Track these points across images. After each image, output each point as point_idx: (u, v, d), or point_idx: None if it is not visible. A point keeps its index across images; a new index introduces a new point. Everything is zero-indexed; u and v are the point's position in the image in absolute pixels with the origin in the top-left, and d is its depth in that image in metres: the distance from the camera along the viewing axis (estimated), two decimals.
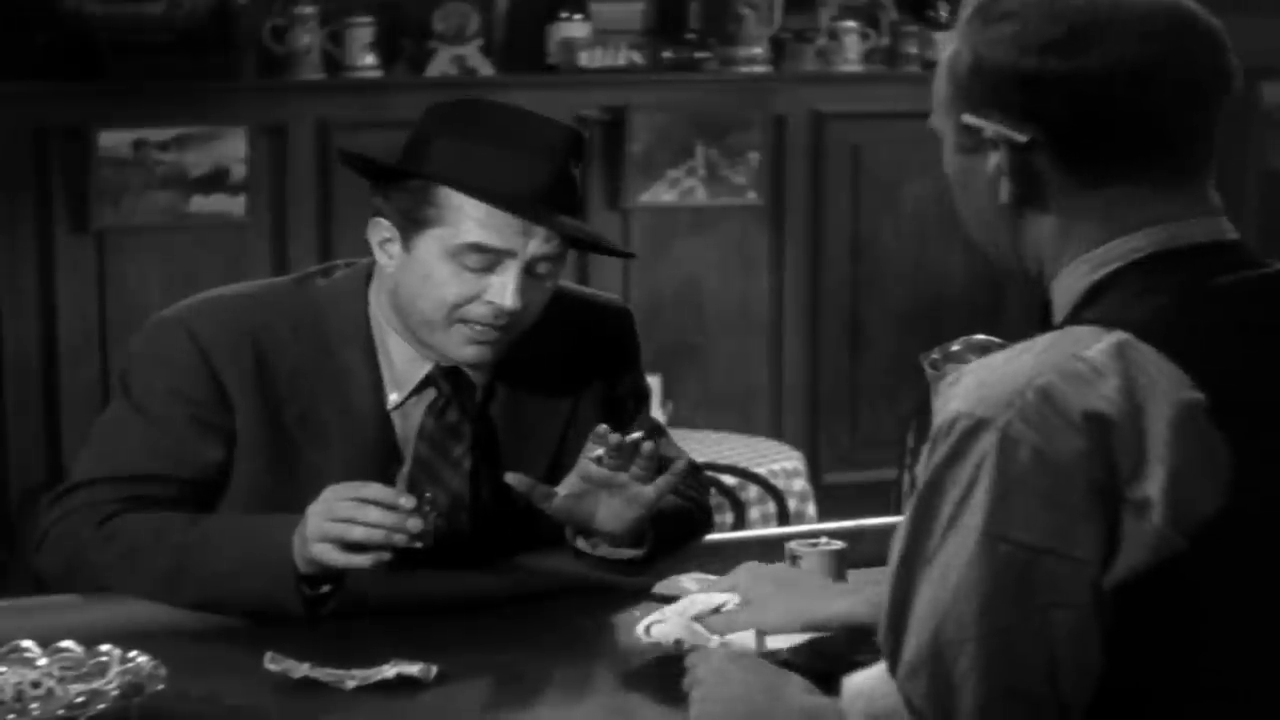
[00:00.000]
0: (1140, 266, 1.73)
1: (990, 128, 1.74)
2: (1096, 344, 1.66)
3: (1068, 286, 1.77)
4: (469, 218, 2.53)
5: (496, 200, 2.51)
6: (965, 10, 1.78)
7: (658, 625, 2.31)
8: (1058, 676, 1.63)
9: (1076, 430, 1.62)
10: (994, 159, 1.75)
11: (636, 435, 2.56)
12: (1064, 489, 1.62)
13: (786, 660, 2.18)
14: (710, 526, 2.83)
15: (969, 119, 1.76)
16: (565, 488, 2.56)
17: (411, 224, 2.55)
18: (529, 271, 2.55)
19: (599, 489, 2.55)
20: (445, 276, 2.55)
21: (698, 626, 2.29)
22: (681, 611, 2.32)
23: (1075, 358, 1.65)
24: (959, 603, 1.63)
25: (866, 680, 1.78)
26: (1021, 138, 1.73)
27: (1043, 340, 1.70)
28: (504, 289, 2.54)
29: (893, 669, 1.70)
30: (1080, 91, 1.70)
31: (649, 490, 2.54)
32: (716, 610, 2.31)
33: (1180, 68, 1.72)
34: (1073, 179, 1.74)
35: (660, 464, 2.59)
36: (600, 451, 2.52)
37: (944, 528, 1.66)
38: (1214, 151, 1.77)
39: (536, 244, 2.54)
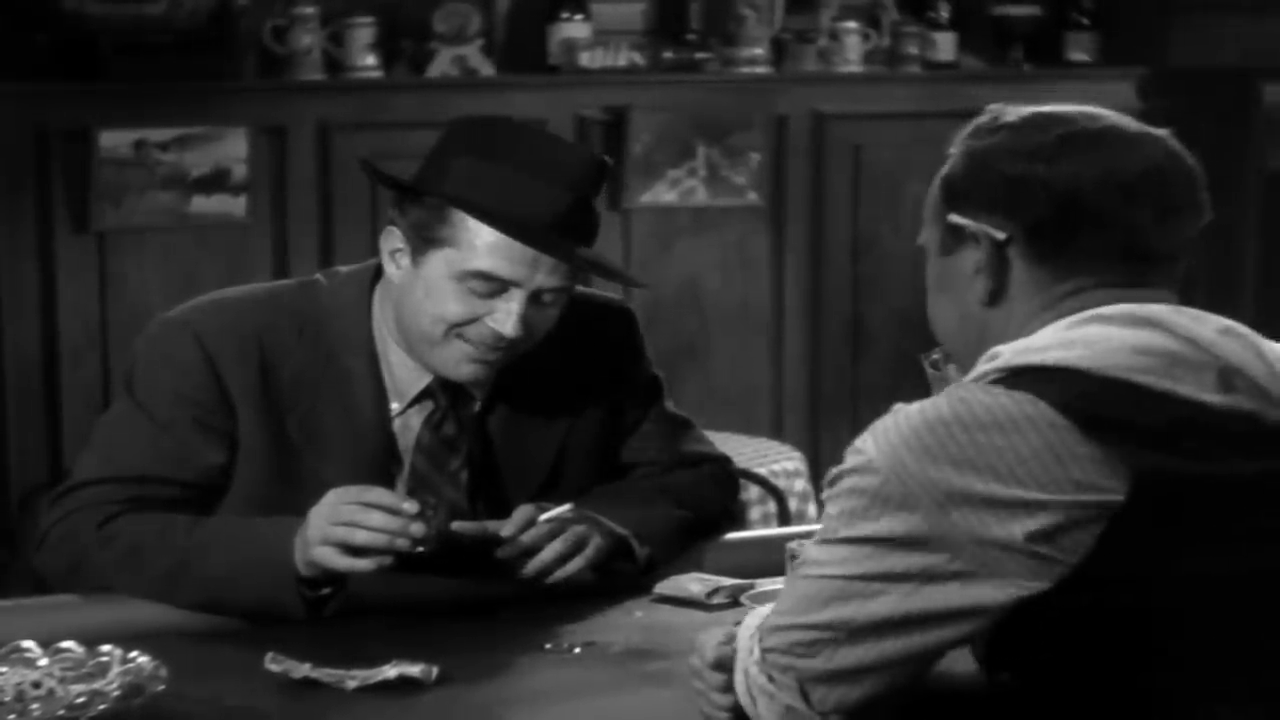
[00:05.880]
0: None
1: (973, 225, 1.90)
2: None
3: None
4: (479, 244, 2.51)
5: (509, 228, 2.49)
6: (965, 128, 1.95)
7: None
8: None
9: None
10: (972, 257, 1.92)
11: (563, 509, 2.57)
12: None
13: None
14: (727, 522, 2.82)
15: (955, 218, 1.92)
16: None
17: (423, 241, 2.54)
18: (534, 300, 2.54)
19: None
20: (449, 297, 2.53)
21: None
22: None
23: None
24: None
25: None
26: (1000, 234, 1.89)
27: None
28: (507, 317, 2.53)
29: None
30: (1058, 194, 1.86)
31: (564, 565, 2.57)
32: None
33: (1159, 190, 1.87)
34: (1042, 273, 1.89)
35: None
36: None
37: None
38: (1178, 274, 1.91)
39: (544, 275, 2.52)
